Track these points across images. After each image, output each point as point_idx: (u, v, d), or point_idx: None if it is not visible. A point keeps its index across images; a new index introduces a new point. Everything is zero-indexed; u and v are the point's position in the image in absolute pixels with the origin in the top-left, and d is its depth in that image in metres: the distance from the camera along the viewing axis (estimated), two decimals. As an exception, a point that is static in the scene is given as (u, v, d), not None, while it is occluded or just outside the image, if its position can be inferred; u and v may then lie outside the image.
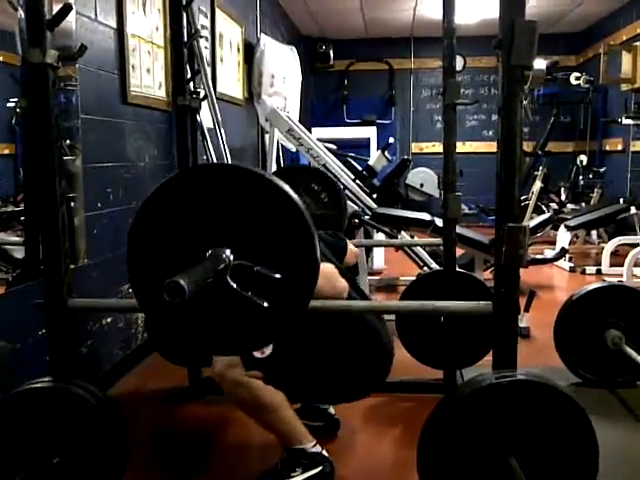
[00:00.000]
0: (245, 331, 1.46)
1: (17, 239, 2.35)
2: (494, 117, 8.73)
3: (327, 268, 1.79)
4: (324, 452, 1.93)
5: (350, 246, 2.32)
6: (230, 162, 3.61)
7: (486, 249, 3.68)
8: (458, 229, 2.63)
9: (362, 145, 6.00)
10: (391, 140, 5.12)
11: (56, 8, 1.54)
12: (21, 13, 2.10)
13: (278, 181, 1.41)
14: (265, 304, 1.39)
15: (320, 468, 1.89)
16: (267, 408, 1.87)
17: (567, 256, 5.25)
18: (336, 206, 2.89)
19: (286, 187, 1.41)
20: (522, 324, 3.26)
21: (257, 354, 1.85)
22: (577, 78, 7.34)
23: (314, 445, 1.92)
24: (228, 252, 1.39)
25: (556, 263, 5.27)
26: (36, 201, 1.62)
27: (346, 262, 2.25)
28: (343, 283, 1.86)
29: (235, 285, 1.39)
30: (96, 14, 2.65)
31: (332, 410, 2.29)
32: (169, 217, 1.44)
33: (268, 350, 1.85)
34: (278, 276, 1.38)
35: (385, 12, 7.26)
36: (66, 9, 1.54)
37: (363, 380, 2.00)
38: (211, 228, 1.42)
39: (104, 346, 2.77)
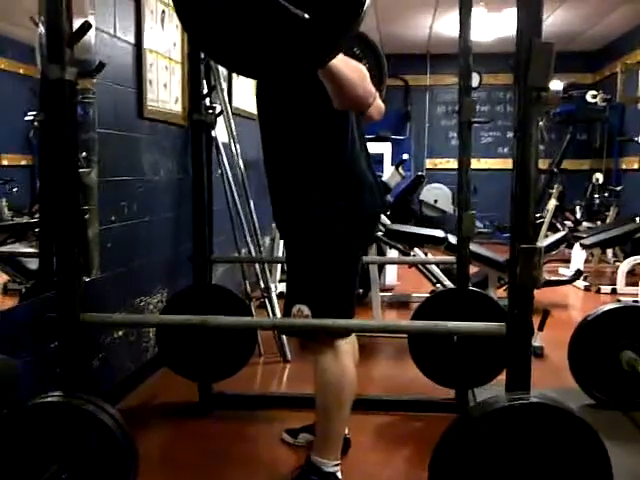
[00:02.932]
0: (285, 48, 1.36)
1: (31, 250, 2.36)
2: (509, 134, 8.72)
3: (363, 68, 1.70)
4: (339, 474, 1.92)
5: (378, 100, 2.01)
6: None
7: (500, 267, 3.66)
8: (472, 246, 2.62)
9: (376, 161, 6.00)
10: (405, 156, 5.12)
11: (76, 24, 1.55)
12: (41, 28, 2.13)
13: None
14: (305, 15, 1.30)
15: (330, 491, 1.88)
16: (342, 402, 1.88)
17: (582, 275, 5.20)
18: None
19: None
20: (536, 343, 3.23)
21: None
22: (594, 96, 7.32)
23: (336, 465, 1.91)
24: None
25: (570, 281, 5.23)
26: (51, 213, 1.63)
27: (369, 114, 2.01)
28: (373, 89, 1.74)
29: None
30: (115, 30, 2.67)
31: (345, 430, 2.27)
32: None
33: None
34: None
35: (401, 29, 7.30)
36: (85, 26, 1.55)
37: None
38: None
39: (115, 359, 2.77)
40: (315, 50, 1.39)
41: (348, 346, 1.93)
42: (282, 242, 4.08)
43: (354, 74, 1.62)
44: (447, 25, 7.00)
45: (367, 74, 1.70)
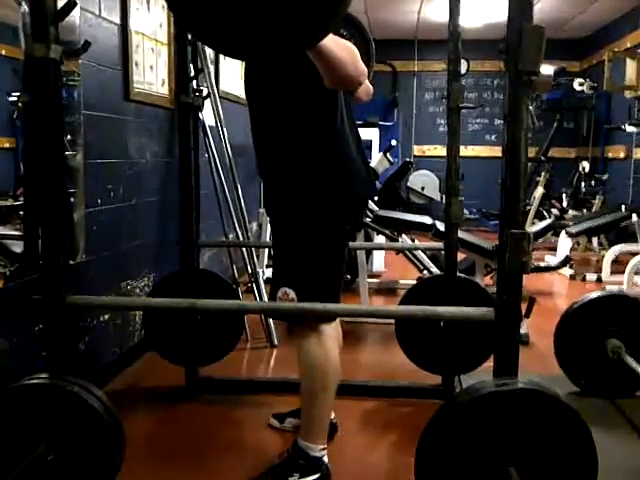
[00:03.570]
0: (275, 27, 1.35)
1: (16, 233, 2.33)
2: (497, 121, 8.73)
3: (352, 46, 1.69)
4: (325, 458, 1.92)
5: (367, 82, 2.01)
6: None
7: (488, 254, 3.67)
8: (460, 233, 2.61)
9: (364, 147, 5.99)
10: (393, 143, 5.11)
11: (61, 3, 1.52)
12: (24, 7, 2.09)
13: None
14: None
15: (317, 475, 1.88)
16: (326, 387, 1.88)
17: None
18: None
19: None
20: (522, 331, 3.25)
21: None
22: (581, 84, 7.33)
23: (322, 449, 1.91)
24: None
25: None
26: (36, 196, 1.61)
27: (358, 95, 2.01)
28: (364, 67, 1.73)
29: None
30: (100, 10, 2.63)
31: (332, 414, 2.27)
32: None
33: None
34: None
35: (389, 14, 7.26)
36: (71, 4, 1.52)
37: None
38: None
39: (101, 343, 2.76)
40: (305, 30, 1.37)
41: (332, 330, 1.93)
42: (269, 227, 4.07)
43: (344, 52, 1.61)
44: (435, 11, 6.98)
45: (357, 52, 1.68)
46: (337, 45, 1.59)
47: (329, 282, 1.92)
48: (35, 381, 1.58)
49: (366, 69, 1.75)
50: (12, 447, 1.55)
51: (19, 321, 2.13)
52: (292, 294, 1.82)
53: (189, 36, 2.56)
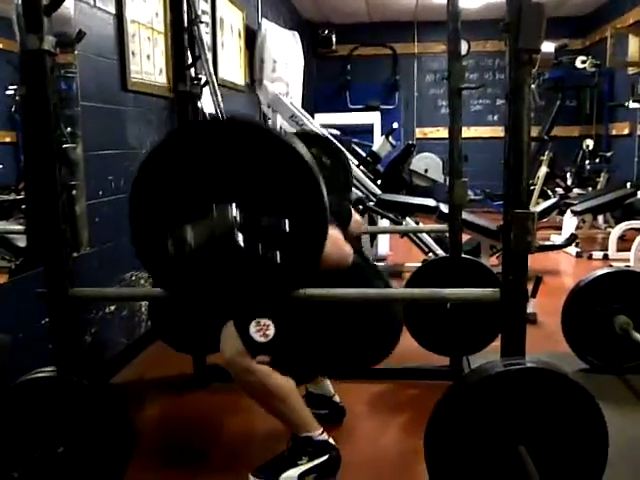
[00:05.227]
0: (256, 288, 1.45)
1: (19, 227, 2.33)
2: (499, 102, 8.67)
3: (333, 233, 1.72)
4: (330, 440, 1.92)
5: (355, 215, 2.23)
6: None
7: (493, 235, 3.65)
8: (464, 215, 2.61)
9: (366, 131, 5.97)
10: (395, 125, 5.09)
11: (53, -8, 1.51)
12: (18, -1, 2.07)
13: (285, 137, 1.41)
14: (278, 259, 1.39)
15: (326, 456, 1.88)
16: (276, 395, 1.84)
17: (573, 241, 5.22)
18: (340, 169, 2.70)
19: (295, 142, 1.40)
20: (529, 310, 3.24)
21: (260, 338, 1.81)
22: (583, 62, 7.26)
23: (321, 433, 1.91)
24: (234, 207, 1.39)
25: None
26: (37, 189, 1.60)
27: (350, 231, 2.16)
28: (349, 248, 1.82)
29: (243, 241, 1.38)
30: (95, 0, 2.61)
31: (337, 398, 2.27)
32: (174, 170, 1.44)
33: (271, 332, 1.82)
34: (286, 226, 1.39)
35: (388, -4, 7.20)
36: (64, -7, 1.51)
37: (370, 352, 1.98)
38: (217, 183, 1.42)
39: (108, 334, 2.76)
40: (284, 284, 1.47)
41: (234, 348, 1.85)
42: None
43: (330, 247, 1.59)
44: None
45: (339, 238, 1.78)
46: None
47: None
48: (42, 375, 1.58)
49: (348, 250, 1.82)
50: (23, 440, 1.56)
51: (25, 315, 2.13)
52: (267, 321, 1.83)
53: (185, 24, 2.54)
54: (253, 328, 1.79)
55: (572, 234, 4.81)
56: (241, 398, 2.54)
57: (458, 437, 1.44)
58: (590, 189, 6.74)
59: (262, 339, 1.80)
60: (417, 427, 1.59)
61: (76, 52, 2.42)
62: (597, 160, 7.06)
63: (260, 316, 1.79)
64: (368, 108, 6.83)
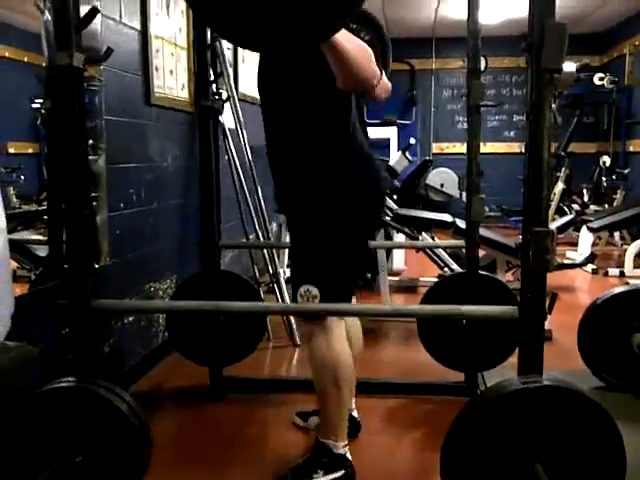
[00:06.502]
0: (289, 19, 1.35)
1: (40, 237, 2.36)
2: (515, 118, 8.67)
3: (367, 47, 1.67)
4: (349, 455, 1.93)
5: (385, 78, 1.96)
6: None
7: (510, 251, 3.64)
8: (480, 230, 2.61)
9: (383, 145, 5.97)
10: (412, 141, 5.10)
11: (83, 11, 1.54)
12: (47, 16, 2.12)
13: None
14: None
15: (342, 472, 1.89)
16: (339, 384, 1.88)
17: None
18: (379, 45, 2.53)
19: None
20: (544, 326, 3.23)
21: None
22: (601, 79, 7.25)
23: (344, 446, 1.92)
24: None
25: (578, 264, 5.23)
26: (60, 201, 1.63)
27: (376, 93, 1.93)
28: (377, 70, 1.72)
29: None
30: (121, 16, 2.66)
31: (355, 413, 2.28)
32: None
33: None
34: None
35: (407, 12, 7.23)
36: (93, 12, 1.54)
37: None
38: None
39: (126, 344, 2.79)
40: (319, 22, 1.36)
41: (340, 329, 1.93)
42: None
43: (358, 53, 1.61)
44: (453, 8, 6.94)
45: (372, 54, 1.67)
46: (351, 44, 1.58)
47: (349, 279, 1.96)
48: (63, 384, 1.60)
49: (378, 71, 1.73)
50: (42, 450, 1.58)
51: (46, 325, 2.16)
52: (315, 291, 1.84)
53: (208, 40, 2.58)
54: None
55: (592, 253, 4.79)
56: (257, 409, 2.57)
57: (475, 454, 1.44)
58: (607, 206, 6.70)
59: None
60: (432, 443, 1.60)
61: (101, 67, 2.47)
62: (614, 177, 7.03)
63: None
64: (385, 123, 6.83)
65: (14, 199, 2.30)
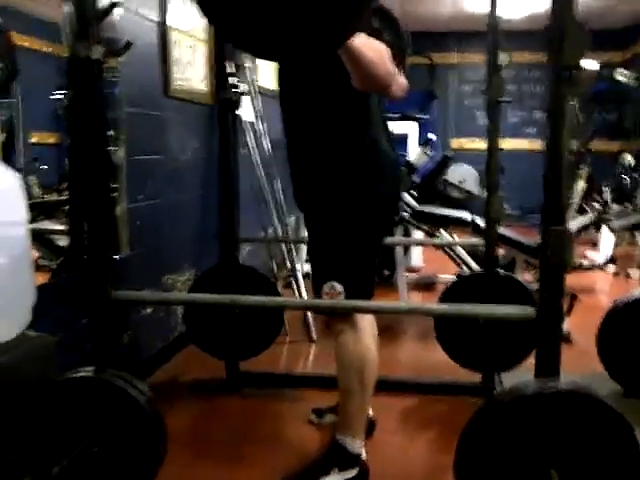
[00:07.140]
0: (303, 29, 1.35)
1: (61, 227, 2.38)
2: (536, 114, 8.58)
3: (382, 45, 1.65)
4: (364, 454, 1.93)
5: (401, 77, 1.95)
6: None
7: (529, 251, 3.61)
8: (499, 229, 2.59)
9: (401, 140, 5.93)
10: (432, 136, 5.06)
11: (102, 3, 1.55)
12: (68, 7, 2.12)
13: None
14: None
15: (356, 471, 1.89)
16: (364, 382, 1.89)
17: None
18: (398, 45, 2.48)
19: None
20: (563, 328, 3.19)
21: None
22: (623, 75, 7.14)
23: (360, 445, 1.92)
24: None
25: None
26: (81, 191, 1.64)
27: (392, 92, 1.89)
28: (393, 68, 1.69)
29: None
30: (139, 8, 2.67)
31: (371, 412, 2.28)
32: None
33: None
34: None
35: (425, 6, 7.19)
36: (113, 4, 1.55)
37: None
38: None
39: (144, 336, 2.81)
40: (333, 30, 1.35)
41: (369, 325, 1.95)
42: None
43: (374, 54, 1.60)
44: (472, 2, 6.89)
45: (388, 53, 1.66)
46: (366, 46, 1.57)
47: (371, 275, 1.97)
48: (82, 374, 1.62)
49: (396, 69, 1.72)
50: (60, 439, 1.59)
51: (66, 315, 2.18)
52: (339, 288, 1.84)
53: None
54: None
55: (612, 256, 4.74)
56: (273, 404, 2.58)
57: (489, 456, 1.43)
58: (629, 205, 6.61)
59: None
60: (447, 443, 1.59)
61: (120, 58, 2.47)
62: (637, 176, 6.93)
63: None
64: (404, 118, 6.78)
65: (36, 189, 2.32)
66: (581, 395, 1.40)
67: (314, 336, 3.36)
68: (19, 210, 1.62)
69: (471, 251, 4.11)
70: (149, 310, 2.83)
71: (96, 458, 1.58)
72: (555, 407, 1.39)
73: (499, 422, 1.42)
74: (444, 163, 5.07)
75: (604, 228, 5.18)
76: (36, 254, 2.28)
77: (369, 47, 1.58)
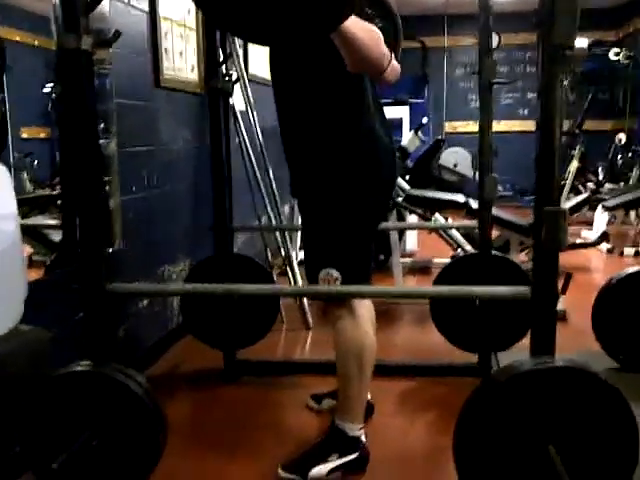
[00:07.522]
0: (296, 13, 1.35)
1: (54, 222, 2.37)
2: (529, 95, 8.56)
3: (376, 30, 1.65)
4: (363, 438, 1.94)
5: (394, 61, 1.90)
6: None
7: (523, 231, 3.62)
8: (493, 210, 2.59)
9: (394, 125, 5.91)
10: (425, 120, 5.05)
11: (90, -7, 1.54)
12: (56, -2, 2.11)
13: None
14: None
15: (356, 455, 1.90)
16: (362, 367, 1.89)
17: (604, 237, 5.16)
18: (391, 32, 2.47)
19: None
20: (558, 307, 3.20)
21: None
22: (617, 54, 7.13)
23: (360, 429, 1.93)
24: None
25: (592, 243, 5.19)
26: (73, 185, 1.63)
27: (386, 76, 1.84)
28: (387, 51, 1.69)
29: None
30: (129, -2, 2.65)
31: (369, 395, 2.29)
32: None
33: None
34: None
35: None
36: (101, -5, 1.54)
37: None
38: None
39: (140, 328, 2.81)
40: (327, 13, 1.36)
41: (366, 311, 1.95)
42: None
43: (367, 36, 1.59)
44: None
45: (381, 36, 1.65)
46: (359, 29, 1.56)
47: (367, 261, 1.97)
48: (78, 368, 1.62)
49: (389, 52, 1.71)
50: (59, 433, 1.60)
51: (61, 309, 2.17)
52: (336, 274, 1.84)
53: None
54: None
55: (605, 232, 4.75)
56: (271, 392, 2.59)
57: (487, 436, 1.44)
58: (622, 184, 6.62)
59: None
60: (445, 424, 1.60)
61: (110, 50, 2.46)
62: (630, 154, 6.94)
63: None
64: (397, 102, 6.76)
65: (28, 184, 2.31)
66: (576, 371, 1.41)
67: (311, 323, 3.37)
68: (8, 203, 1.61)
69: (465, 233, 4.12)
70: (145, 302, 2.83)
71: (96, 451, 1.59)
72: (551, 384, 1.40)
73: (496, 401, 1.43)
74: (437, 147, 5.06)
75: (598, 207, 5.19)
76: (30, 250, 2.28)
77: (362, 30, 1.58)
